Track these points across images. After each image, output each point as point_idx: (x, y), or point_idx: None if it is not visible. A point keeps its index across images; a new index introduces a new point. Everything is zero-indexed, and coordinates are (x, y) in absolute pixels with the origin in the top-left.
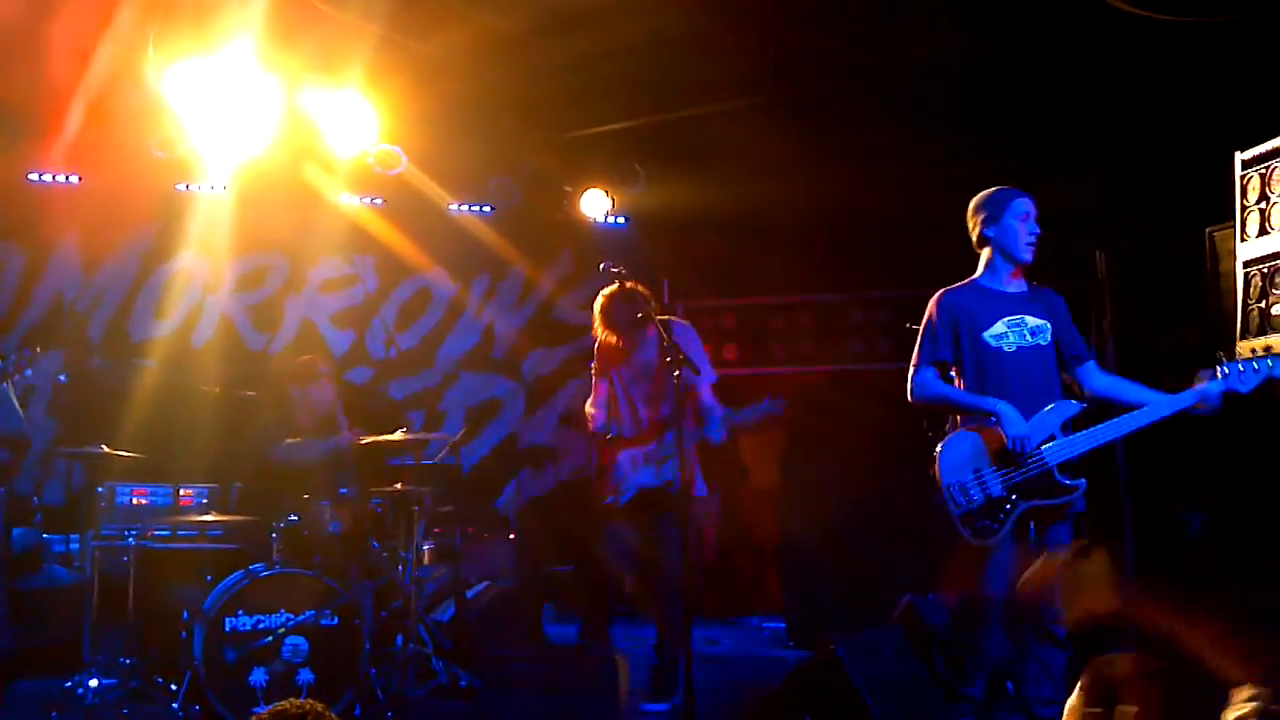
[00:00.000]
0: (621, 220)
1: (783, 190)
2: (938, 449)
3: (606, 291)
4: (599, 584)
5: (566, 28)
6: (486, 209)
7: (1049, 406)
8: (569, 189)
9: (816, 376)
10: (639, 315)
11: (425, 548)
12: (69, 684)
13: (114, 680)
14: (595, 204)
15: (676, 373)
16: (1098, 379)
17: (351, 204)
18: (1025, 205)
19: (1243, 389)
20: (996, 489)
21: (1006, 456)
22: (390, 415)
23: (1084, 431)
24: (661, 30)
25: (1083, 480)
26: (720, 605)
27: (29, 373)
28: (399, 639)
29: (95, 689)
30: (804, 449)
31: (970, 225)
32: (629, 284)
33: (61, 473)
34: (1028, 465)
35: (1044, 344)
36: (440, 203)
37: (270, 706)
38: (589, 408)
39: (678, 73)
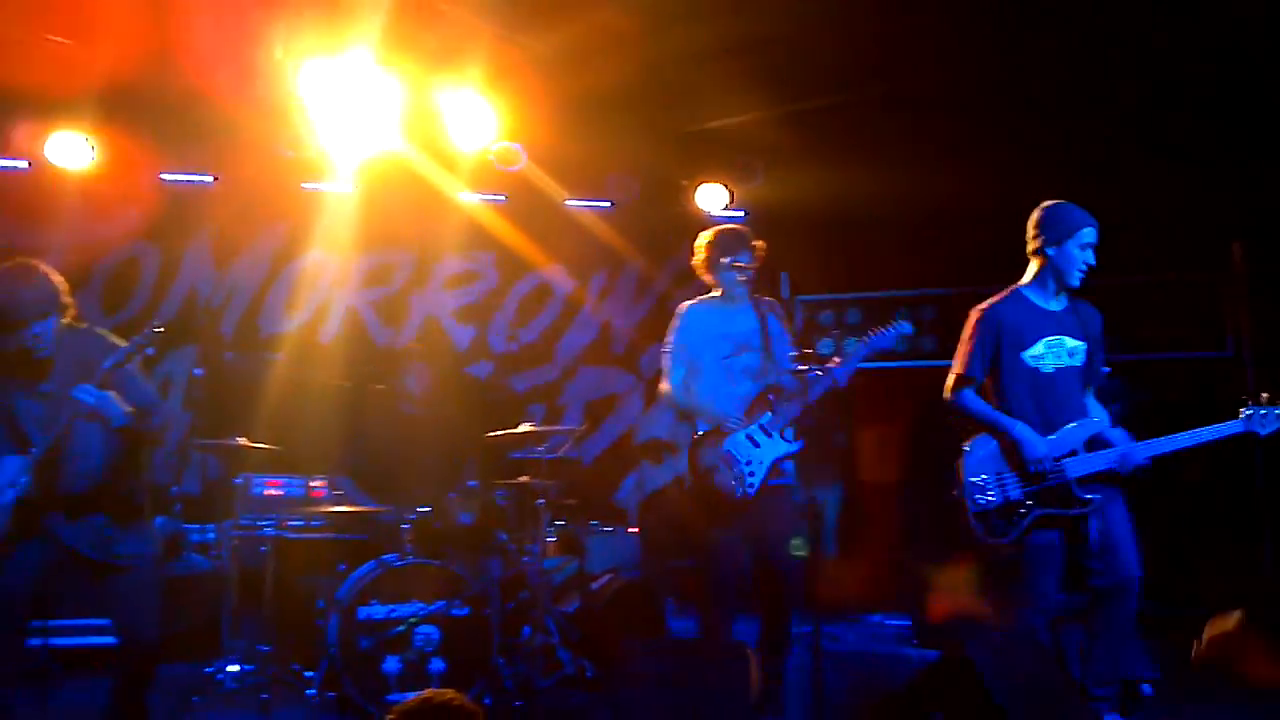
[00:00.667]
0: (739, 214)
1: (903, 183)
2: (966, 446)
3: None
4: (717, 578)
5: (684, 22)
6: (605, 204)
7: (1073, 424)
8: (686, 184)
9: (939, 372)
10: None
11: (550, 540)
12: (209, 669)
13: (252, 666)
14: (712, 198)
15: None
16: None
17: (473, 201)
18: (1090, 236)
19: (1261, 432)
20: (1015, 493)
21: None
22: (512, 409)
23: (1105, 450)
24: (779, 24)
25: (1098, 495)
26: (839, 602)
27: (151, 350)
28: (525, 630)
29: (234, 674)
30: (926, 445)
31: (1030, 234)
32: None
33: (197, 464)
34: (1048, 476)
35: (1079, 365)
36: (559, 199)
37: (414, 694)
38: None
39: (797, 66)
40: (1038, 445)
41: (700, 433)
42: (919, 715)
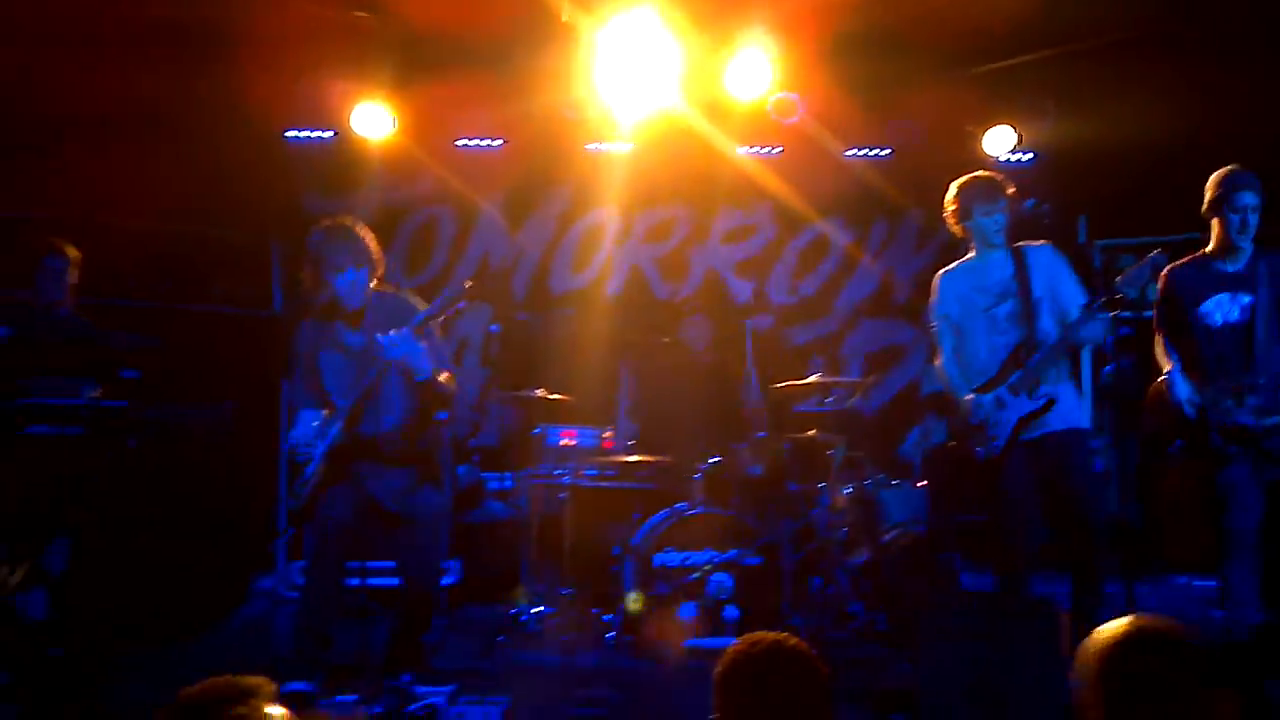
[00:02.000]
0: (1028, 157)
1: (1206, 118)
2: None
3: None
4: (1014, 531)
5: None
6: (884, 152)
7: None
8: (971, 128)
9: None
10: None
11: (840, 492)
12: (512, 611)
13: (552, 609)
14: (1000, 141)
15: None
16: None
17: (750, 154)
18: (1244, 199)
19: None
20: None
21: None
22: (792, 361)
23: None
24: None
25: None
26: (1141, 562)
27: (462, 304)
28: (815, 581)
29: (536, 616)
30: None
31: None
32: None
33: (495, 416)
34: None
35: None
36: (837, 149)
37: (750, 636)
38: None
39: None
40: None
41: (961, 398)
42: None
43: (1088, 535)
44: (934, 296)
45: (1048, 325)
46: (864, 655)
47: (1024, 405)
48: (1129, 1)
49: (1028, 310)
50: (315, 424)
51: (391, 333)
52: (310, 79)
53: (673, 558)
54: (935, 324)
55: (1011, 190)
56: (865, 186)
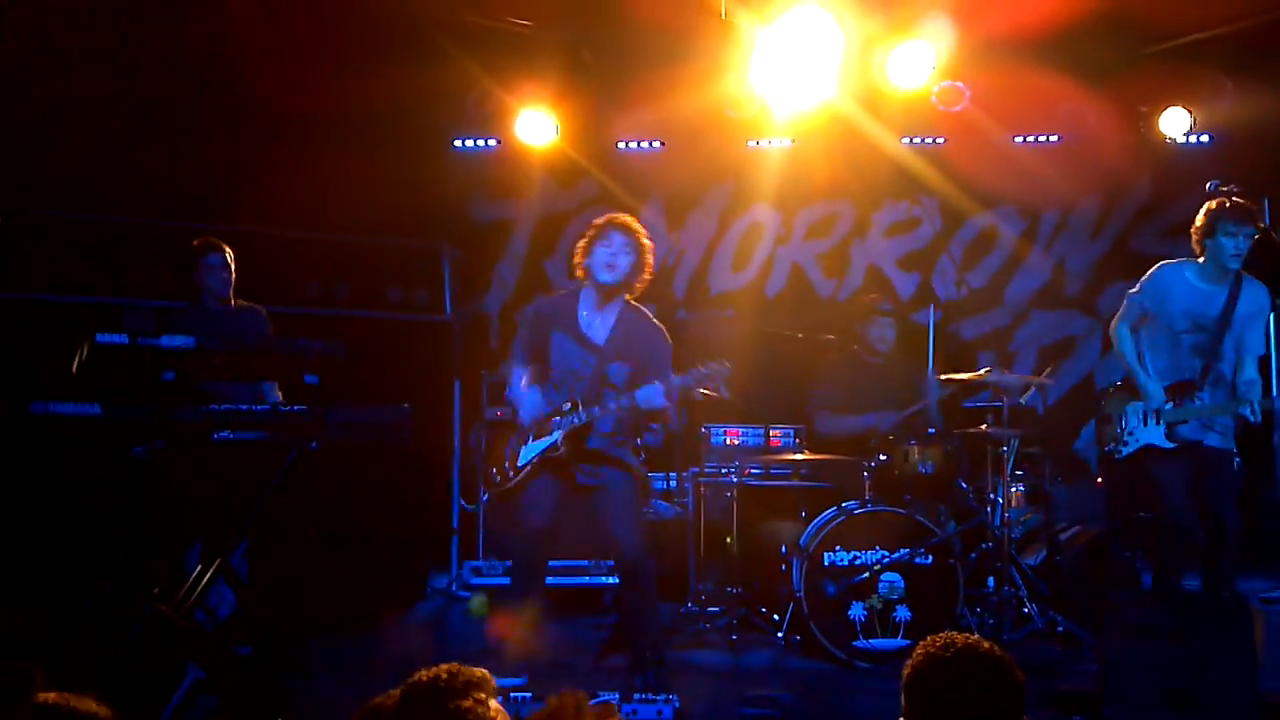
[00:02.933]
0: (1205, 139)
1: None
2: None
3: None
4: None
5: None
6: (1054, 139)
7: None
8: (1145, 110)
9: None
10: None
11: (1013, 491)
12: (682, 610)
13: (720, 608)
14: (1175, 123)
15: None
16: None
17: (912, 146)
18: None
19: None
20: None
21: None
22: (962, 356)
23: None
24: None
25: None
26: None
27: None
28: (990, 581)
29: (705, 615)
30: None
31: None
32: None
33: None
34: None
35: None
36: (1003, 136)
37: (940, 637)
38: None
39: None
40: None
41: (1122, 383)
42: None
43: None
44: (1149, 277)
45: (1229, 353)
46: (1042, 656)
47: (1157, 434)
48: None
49: (1215, 346)
50: (540, 401)
51: (654, 387)
52: (476, 88)
53: (842, 557)
54: (1132, 297)
55: (1262, 227)
56: (1033, 175)
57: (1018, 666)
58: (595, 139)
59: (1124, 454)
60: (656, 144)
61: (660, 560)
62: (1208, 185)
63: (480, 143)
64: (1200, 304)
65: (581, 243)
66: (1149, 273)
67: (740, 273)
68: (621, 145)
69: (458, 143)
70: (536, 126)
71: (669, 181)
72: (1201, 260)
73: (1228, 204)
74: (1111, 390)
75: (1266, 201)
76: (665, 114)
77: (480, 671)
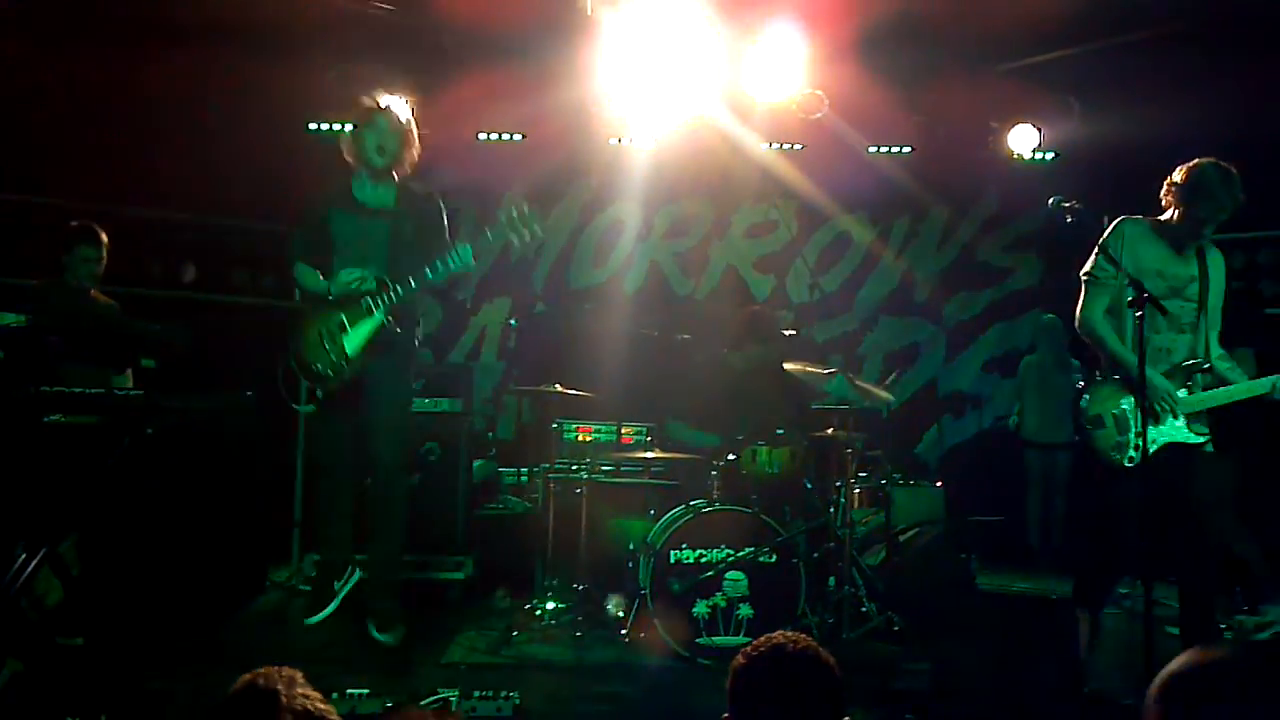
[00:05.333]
0: (1050, 156)
1: (1231, 119)
2: None
3: None
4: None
5: None
6: (906, 150)
7: None
8: (996, 125)
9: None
10: None
11: (855, 491)
12: (527, 605)
13: (566, 604)
14: (1023, 139)
15: None
16: None
17: (772, 151)
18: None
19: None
20: None
21: None
22: (813, 359)
23: None
24: None
25: None
26: None
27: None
28: (831, 580)
29: (550, 611)
30: None
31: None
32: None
33: (511, 410)
34: None
35: None
36: (859, 145)
37: (764, 637)
38: None
39: None
40: None
41: (1104, 377)
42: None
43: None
44: (1111, 240)
45: (1213, 341)
46: (878, 655)
47: (1179, 433)
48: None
49: (1202, 321)
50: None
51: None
52: (332, 71)
53: (688, 555)
54: (1097, 273)
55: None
56: (888, 183)
57: (837, 666)
58: (456, 128)
59: (1137, 459)
60: (518, 136)
61: (508, 556)
62: (1049, 201)
63: (336, 127)
64: (1172, 262)
65: (349, 129)
66: (1108, 231)
67: (600, 268)
68: (482, 136)
69: (312, 126)
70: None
71: (530, 174)
72: (1166, 218)
73: (1216, 171)
74: (1092, 390)
75: (1106, 219)
76: (528, 106)
77: (288, 671)
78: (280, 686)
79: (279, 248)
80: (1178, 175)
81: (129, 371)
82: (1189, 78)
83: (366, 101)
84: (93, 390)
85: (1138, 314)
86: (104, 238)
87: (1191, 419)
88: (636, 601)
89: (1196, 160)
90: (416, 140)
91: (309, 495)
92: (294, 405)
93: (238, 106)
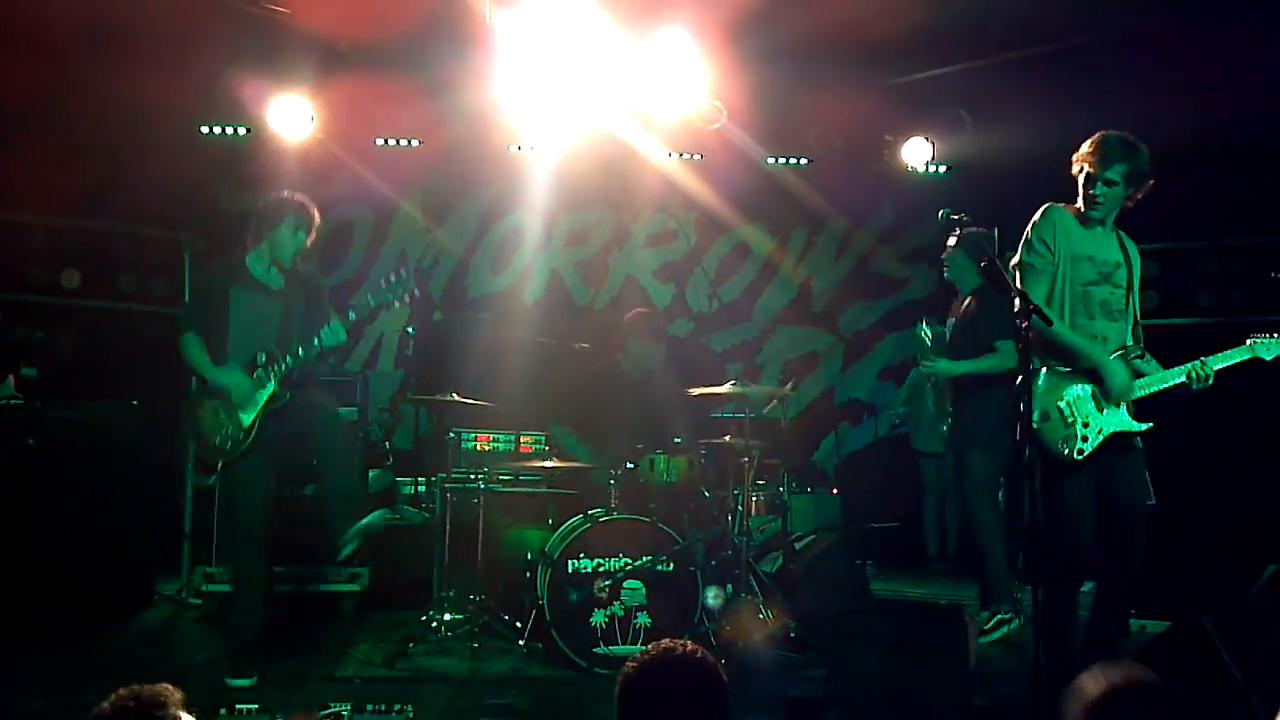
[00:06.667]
0: (943, 169)
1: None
2: None
3: None
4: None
5: None
6: (803, 161)
7: None
8: (890, 138)
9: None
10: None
11: (753, 499)
12: (423, 617)
13: (463, 615)
14: (917, 152)
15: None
16: None
17: (672, 160)
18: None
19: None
20: None
21: None
22: (712, 367)
23: None
24: None
25: None
26: None
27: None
28: (728, 588)
29: (446, 623)
30: None
31: None
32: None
33: (409, 420)
34: None
35: None
36: (757, 156)
37: (652, 645)
38: None
39: (1002, 13)
40: None
41: (1045, 368)
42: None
43: (1121, 553)
44: (1042, 226)
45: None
46: (774, 662)
47: (1124, 421)
48: (1041, 16)
49: (1131, 303)
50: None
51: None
52: (226, 74)
53: (585, 564)
54: (1032, 260)
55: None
56: (786, 194)
57: (724, 672)
58: (353, 133)
59: (1088, 451)
60: (415, 142)
61: (404, 565)
62: (939, 214)
63: (230, 130)
64: (1097, 245)
65: (267, 217)
66: (1037, 216)
67: (499, 276)
68: (380, 141)
69: (204, 129)
70: (290, 116)
71: (428, 180)
72: (1079, 205)
73: (1118, 141)
74: (1030, 381)
75: (998, 231)
76: (426, 112)
77: (165, 689)
78: (155, 710)
79: (169, 253)
80: (1084, 145)
81: (10, 379)
82: (1078, 93)
83: (297, 199)
84: None
85: (1112, 291)
86: None
87: (1132, 407)
88: (534, 612)
89: (1101, 131)
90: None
91: (206, 520)
92: (208, 480)
93: (127, 109)
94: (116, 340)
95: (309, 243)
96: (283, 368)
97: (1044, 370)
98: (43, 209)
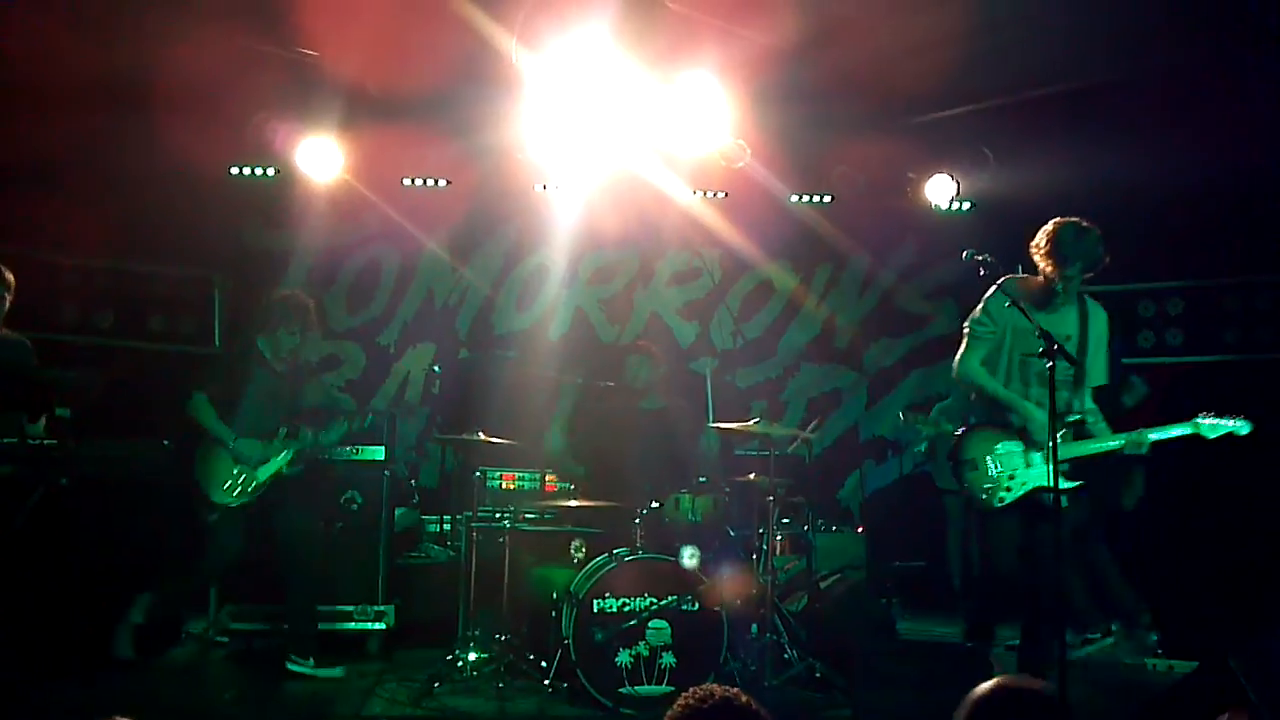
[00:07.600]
0: (967, 207)
1: (1143, 170)
2: None
3: None
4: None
5: (911, 9)
6: (826, 199)
7: None
8: (913, 176)
9: (1185, 370)
10: None
11: (777, 538)
12: (449, 656)
13: (488, 654)
14: (940, 190)
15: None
16: None
17: (696, 199)
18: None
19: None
20: None
21: None
22: (736, 405)
23: None
24: (1010, 7)
25: None
26: None
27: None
28: (754, 628)
29: (472, 662)
30: None
31: None
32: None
33: (435, 457)
34: None
35: None
36: (781, 194)
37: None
38: None
39: (1026, 52)
40: None
41: (982, 422)
42: None
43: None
44: (994, 300)
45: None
46: (800, 702)
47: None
48: (1063, 55)
49: (1076, 373)
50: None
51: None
52: (256, 116)
53: (611, 604)
54: (978, 326)
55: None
56: (809, 232)
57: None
58: (380, 173)
59: (1008, 501)
60: (443, 182)
61: (430, 604)
62: (963, 253)
63: (260, 171)
64: (1047, 320)
65: (269, 318)
66: (993, 289)
67: (524, 314)
68: (407, 181)
69: (234, 170)
70: (318, 157)
71: (455, 220)
72: (1041, 279)
73: (1079, 231)
74: (966, 432)
75: (1020, 269)
76: (453, 153)
77: None
78: None
79: (199, 293)
80: (1039, 237)
81: (43, 420)
82: (1101, 131)
83: (294, 301)
84: (6, 440)
85: (1048, 364)
86: (9, 277)
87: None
88: (559, 651)
89: (1054, 221)
90: None
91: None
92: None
93: (160, 152)
94: (148, 379)
95: (301, 344)
96: (299, 441)
97: (982, 424)
98: (75, 250)
